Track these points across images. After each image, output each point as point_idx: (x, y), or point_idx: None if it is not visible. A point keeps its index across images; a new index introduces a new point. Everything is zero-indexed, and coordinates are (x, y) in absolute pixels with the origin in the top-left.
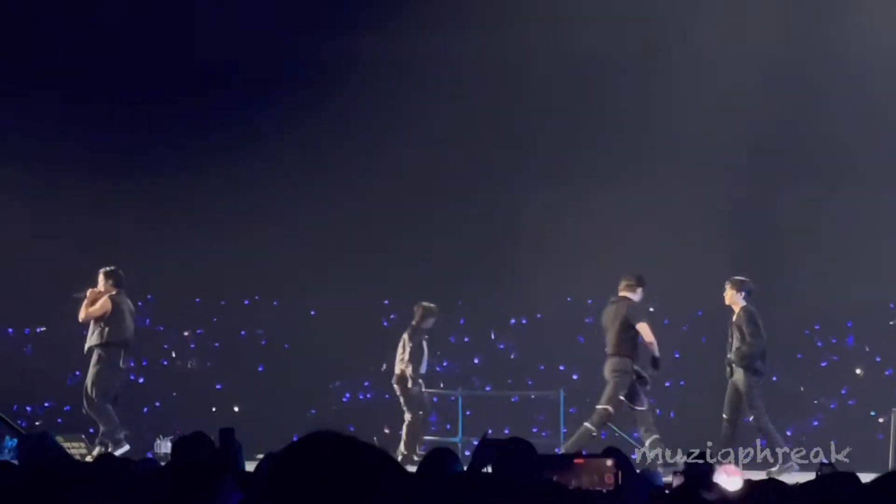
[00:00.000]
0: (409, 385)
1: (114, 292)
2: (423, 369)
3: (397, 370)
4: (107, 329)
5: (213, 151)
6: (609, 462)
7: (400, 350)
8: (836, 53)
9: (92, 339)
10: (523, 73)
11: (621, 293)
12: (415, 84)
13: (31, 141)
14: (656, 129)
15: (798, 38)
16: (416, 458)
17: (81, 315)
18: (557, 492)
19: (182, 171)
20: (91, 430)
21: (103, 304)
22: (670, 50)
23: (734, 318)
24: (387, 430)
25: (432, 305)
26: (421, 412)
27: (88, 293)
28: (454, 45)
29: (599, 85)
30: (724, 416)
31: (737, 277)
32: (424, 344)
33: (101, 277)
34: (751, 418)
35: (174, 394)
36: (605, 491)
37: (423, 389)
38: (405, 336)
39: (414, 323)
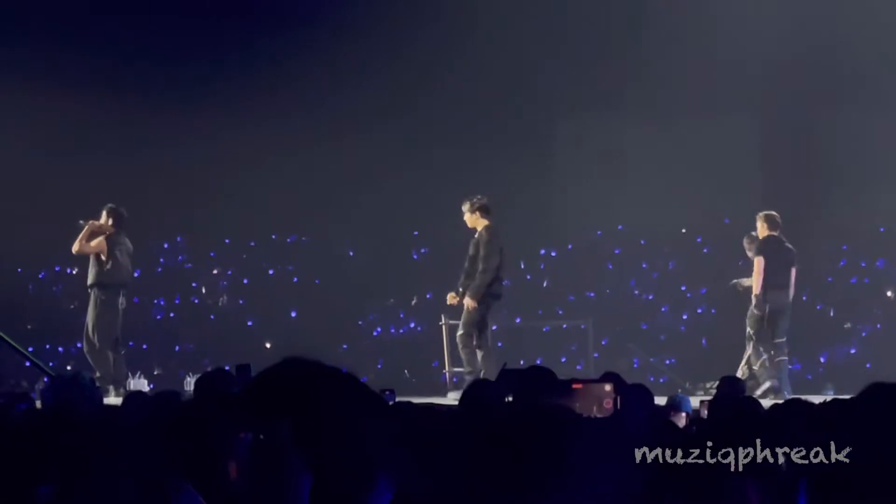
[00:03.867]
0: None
1: (112, 231)
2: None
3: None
4: (103, 269)
5: (242, 90)
6: (607, 387)
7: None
8: None
9: (89, 277)
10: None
11: None
12: (443, 13)
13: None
14: (687, 59)
15: None
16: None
17: (75, 247)
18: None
19: (212, 110)
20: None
21: (98, 244)
22: None
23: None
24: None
25: (774, 213)
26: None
27: (89, 224)
28: None
29: (632, 13)
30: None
31: (473, 198)
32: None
33: (103, 214)
34: (460, 333)
35: (205, 332)
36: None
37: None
38: (758, 250)
39: (761, 234)
